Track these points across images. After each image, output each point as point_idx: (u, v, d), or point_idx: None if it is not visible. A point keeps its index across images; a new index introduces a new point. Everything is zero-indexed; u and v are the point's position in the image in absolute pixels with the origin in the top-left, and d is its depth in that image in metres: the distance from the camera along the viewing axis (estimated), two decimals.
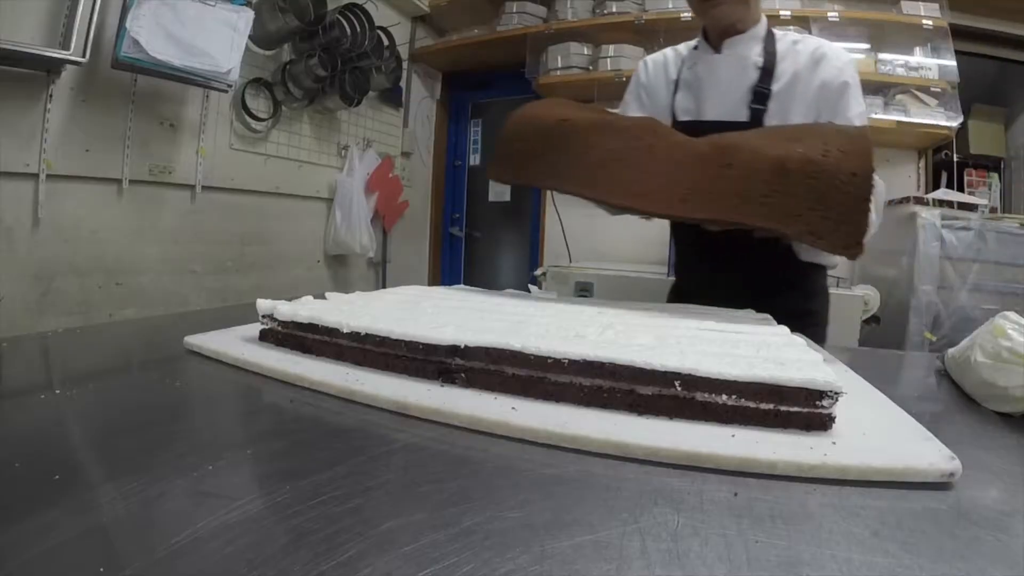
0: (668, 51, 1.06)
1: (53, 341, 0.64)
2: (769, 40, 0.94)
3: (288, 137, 2.16)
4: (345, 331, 0.50)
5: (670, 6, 2.34)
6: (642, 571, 0.24)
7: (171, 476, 0.31)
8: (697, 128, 0.89)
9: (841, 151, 0.60)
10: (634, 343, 0.45)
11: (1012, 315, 0.50)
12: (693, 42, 1.02)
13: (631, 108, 1.09)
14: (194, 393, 0.47)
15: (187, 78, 1.56)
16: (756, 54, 0.92)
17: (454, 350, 0.45)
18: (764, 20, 0.96)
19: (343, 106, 2.21)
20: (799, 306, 0.93)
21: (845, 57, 0.94)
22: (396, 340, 0.47)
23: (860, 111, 0.91)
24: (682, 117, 0.98)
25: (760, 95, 0.91)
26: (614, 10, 2.40)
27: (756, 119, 0.91)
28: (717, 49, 0.95)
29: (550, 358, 0.42)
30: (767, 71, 0.91)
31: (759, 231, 0.72)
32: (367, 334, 0.49)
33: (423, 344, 0.46)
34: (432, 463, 0.34)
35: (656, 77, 1.05)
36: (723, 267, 0.93)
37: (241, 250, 2.03)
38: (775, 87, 0.91)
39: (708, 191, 0.62)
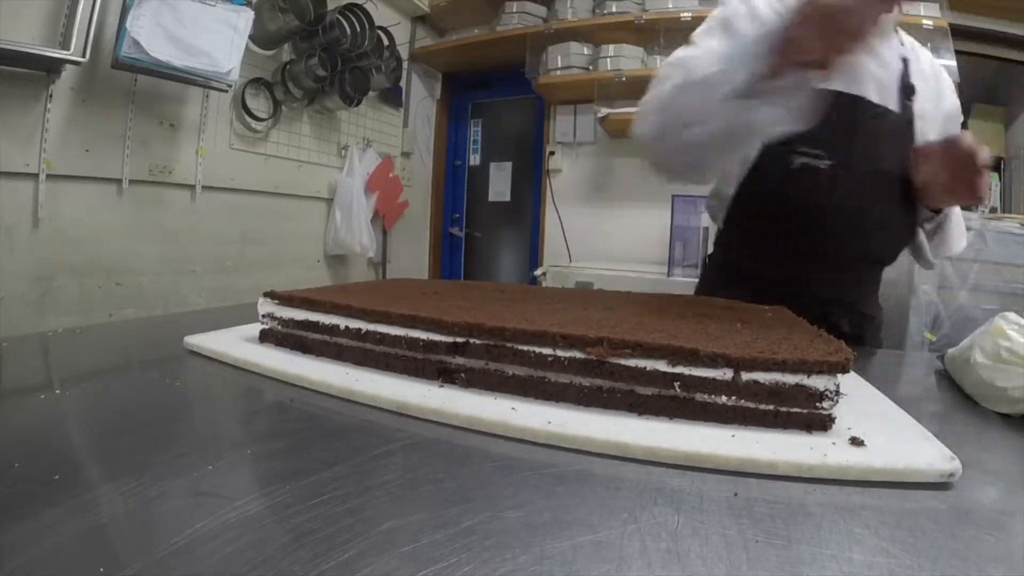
0: None
1: (53, 341, 0.64)
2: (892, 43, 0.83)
3: (288, 137, 2.16)
4: (343, 327, 0.50)
5: (670, 6, 2.34)
6: (642, 571, 0.24)
7: (171, 476, 0.31)
8: (852, 104, 0.76)
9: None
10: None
11: (1012, 315, 0.50)
12: None
13: (714, 36, 0.78)
14: (194, 393, 0.47)
15: (187, 78, 1.56)
16: (894, 50, 0.81)
17: (455, 347, 0.45)
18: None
19: (343, 106, 2.21)
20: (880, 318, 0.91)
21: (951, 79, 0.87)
22: (396, 337, 0.47)
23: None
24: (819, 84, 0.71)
25: (908, 89, 0.80)
26: (614, 10, 2.40)
27: (907, 115, 0.80)
28: None
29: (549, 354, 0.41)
30: (906, 63, 0.81)
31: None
32: (367, 331, 0.49)
33: (423, 341, 0.46)
34: (432, 463, 0.34)
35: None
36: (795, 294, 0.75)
37: (241, 250, 2.03)
38: (919, 90, 0.81)
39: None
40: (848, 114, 0.77)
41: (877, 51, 0.79)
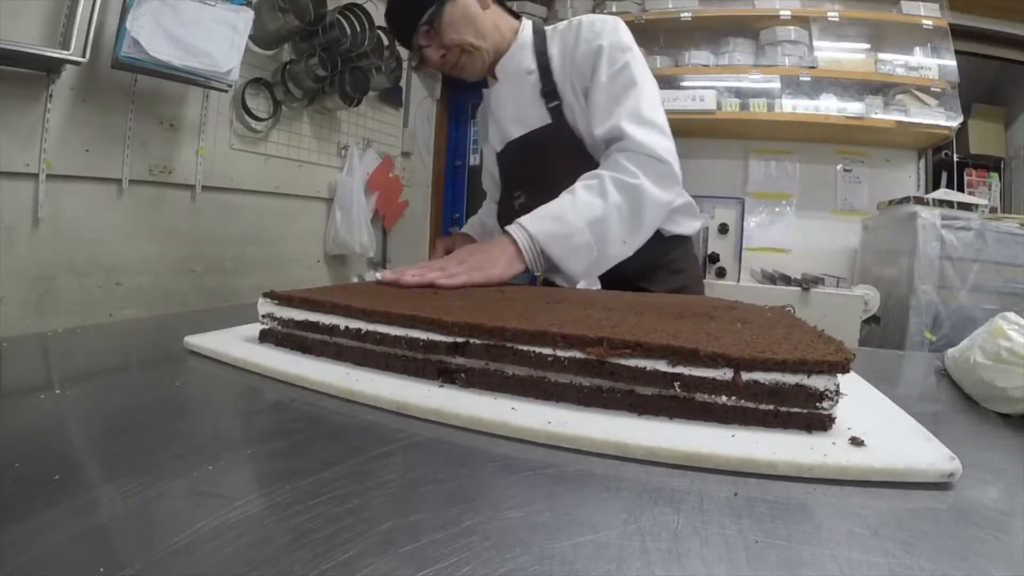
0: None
1: (53, 341, 0.64)
2: (539, 40, 0.96)
3: (288, 137, 2.16)
4: (343, 327, 0.50)
5: (670, 6, 2.34)
6: (642, 571, 0.24)
7: (171, 476, 0.31)
8: (509, 150, 0.98)
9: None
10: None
11: (1012, 316, 0.50)
12: None
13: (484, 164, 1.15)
14: (194, 393, 0.47)
15: (187, 78, 1.56)
16: (528, 60, 0.94)
17: (455, 347, 0.45)
18: (526, 25, 0.99)
19: (343, 106, 2.21)
20: (675, 286, 0.93)
21: (604, 23, 0.90)
22: (396, 337, 0.47)
23: (614, 71, 0.86)
24: (498, 148, 1.01)
25: (549, 93, 0.91)
26: (614, 10, 2.41)
27: (558, 116, 0.91)
28: (494, 77, 1.00)
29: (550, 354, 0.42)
30: (543, 69, 0.92)
31: None
32: (367, 332, 0.49)
33: (423, 341, 0.46)
34: (432, 463, 0.34)
35: (480, 128, 1.14)
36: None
37: (241, 250, 2.03)
38: (558, 79, 0.91)
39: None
40: (511, 159, 0.99)
41: (502, 94, 0.97)
